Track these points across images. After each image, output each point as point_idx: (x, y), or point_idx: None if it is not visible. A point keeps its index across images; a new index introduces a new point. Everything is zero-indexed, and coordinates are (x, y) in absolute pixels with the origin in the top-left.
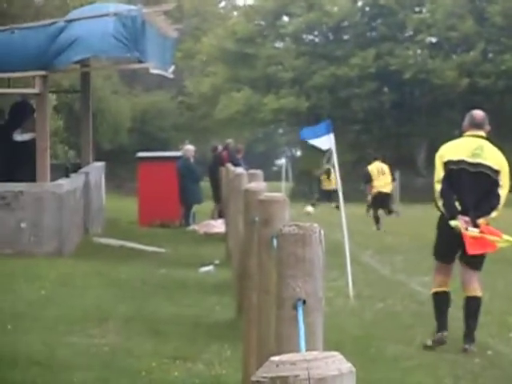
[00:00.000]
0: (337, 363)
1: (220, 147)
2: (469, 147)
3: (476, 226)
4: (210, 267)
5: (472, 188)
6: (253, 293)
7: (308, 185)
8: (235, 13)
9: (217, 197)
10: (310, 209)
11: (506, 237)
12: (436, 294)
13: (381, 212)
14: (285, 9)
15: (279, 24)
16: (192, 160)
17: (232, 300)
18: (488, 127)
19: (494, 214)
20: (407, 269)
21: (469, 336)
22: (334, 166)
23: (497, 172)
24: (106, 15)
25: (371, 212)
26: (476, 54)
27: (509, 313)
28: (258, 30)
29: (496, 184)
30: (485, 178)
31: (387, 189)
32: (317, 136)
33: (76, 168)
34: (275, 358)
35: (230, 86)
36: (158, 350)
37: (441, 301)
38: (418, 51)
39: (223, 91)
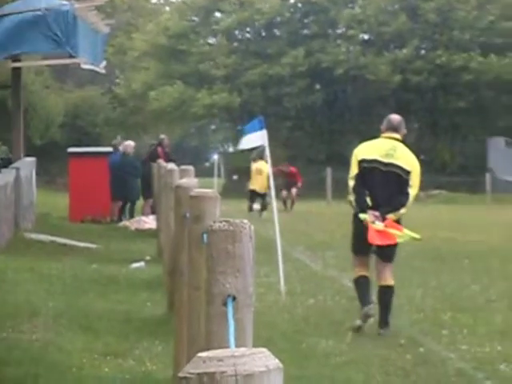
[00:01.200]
0: (264, 359)
1: (156, 143)
2: (383, 148)
3: (384, 220)
4: (141, 263)
5: (383, 185)
6: (183, 289)
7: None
8: (167, 8)
9: (148, 193)
10: (257, 206)
11: (406, 231)
12: (356, 280)
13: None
14: (217, 5)
15: (212, 20)
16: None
17: (163, 296)
18: (404, 131)
19: (402, 211)
20: (338, 265)
21: (383, 321)
22: (267, 162)
23: (408, 172)
24: (38, 10)
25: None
26: (409, 51)
27: (441, 310)
28: (191, 25)
29: (406, 183)
30: (396, 177)
31: (259, 188)
32: (250, 132)
33: (7, 163)
34: (203, 354)
35: (162, 81)
36: (89, 345)
37: (361, 283)
38: (350, 48)
39: (155, 87)
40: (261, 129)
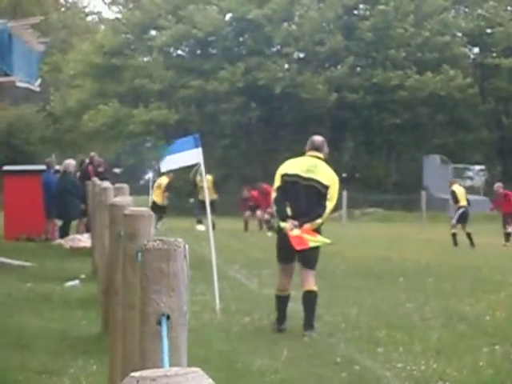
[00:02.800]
0: (197, 379)
1: (87, 160)
2: (305, 164)
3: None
4: (76, 281)
5: (303, 198)
6: (118, 307)
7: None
8: (103, 26)
9: (83, 211)
10: (201, 227)
11: (319, 237)
12: (278, 297)
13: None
14: (153, 22)
15: (147, 37)
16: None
17: (98, 314)
18: (327, 150)
19: (318, 221)
20: (274, 283)
21: (308, 324)
22: (202, 181)
23: (326, 187)
24: None
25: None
26: (344, 69)
27: (377, 328)
28: (126, 42)
29: (324, 196)
30: (315, 190)
31: (158, 200)
32: (184, 150)
33: None
34: (136, 374)
35: (98, 99)
36: (24, 363)
37: (282, 302)
38: (286, 66)
39: (90, 105)
40: (196, 147)
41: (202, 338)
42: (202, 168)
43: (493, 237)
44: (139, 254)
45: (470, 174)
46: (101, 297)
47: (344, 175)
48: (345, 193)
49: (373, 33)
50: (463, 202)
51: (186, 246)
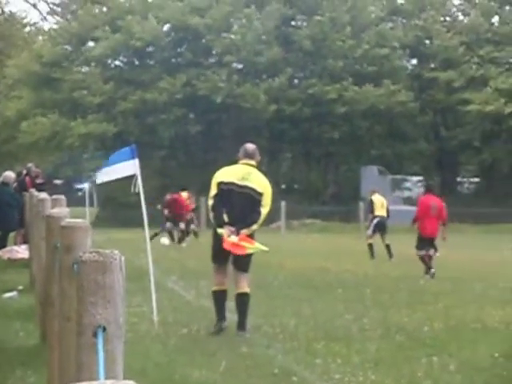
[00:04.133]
0: None
1: (24, 171)
2: (240, 172)
3: (238, 234)
4: (14, 293)
5: (238, 205)
6: (55, 319)
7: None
8: (40, 37)
9: (20, 222)
10: (165, 241)
11: (257, 244)
12: (215, 292)
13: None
14: (90, 33)
15: (84, 48)
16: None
17: (36, 326)
18: (258, 157)
19: (254, 227)
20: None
21: (241, 325)
22: (139, 192)
23: (260, 194)
24: None
25: None
26: (283, 80)
27: (315, 339)
28: (64, 53)
29: (259, 203)
30: (249, 197)
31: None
32: (121, 161)
33: None
34: None
35: (36, 110)
36: None
37: (219, 297)
38: (224, 77)
39: (28, 116)
40: (133, 158)
41: (139, 349)
42: (139, 179)
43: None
44: (75, 266)
45: (408, 184)
46: (38, 308)
47: (283, 186)
48: (283, 204)
49: (310, 43)
50: (379, 212)
51: (122, 258)
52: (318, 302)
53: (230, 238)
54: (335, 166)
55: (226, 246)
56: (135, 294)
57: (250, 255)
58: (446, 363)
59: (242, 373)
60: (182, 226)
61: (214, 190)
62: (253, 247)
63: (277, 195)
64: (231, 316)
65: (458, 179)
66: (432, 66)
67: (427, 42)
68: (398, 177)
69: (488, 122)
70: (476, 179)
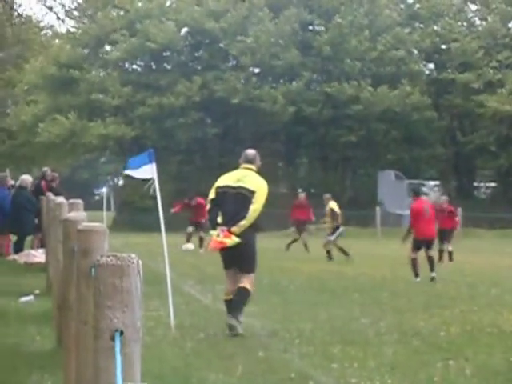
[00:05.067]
0: None
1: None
2: (237, 176)
3: (230, 232)
4: (31, 297)
5: (232, 204)
6: (72, 323)
7: (129, 214)
8: (57, 40)
9: (37, 226)
10: (189, 246)
11: (234, 238)
12: (226, 301)
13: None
14: (107, 36)
15: (102, 51)
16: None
17: (52, 330)
18: (259, 162)
19: (242, 223)
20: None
21: (232, 313)
22: (155, 196)
23: (252, 192)
24: None
25: None
26: (300, 84)
27: (331, 343)
28: (82, 56)
29: (250, 201)
30: (242, 196)
31: None
32: (139, 166)
33: None
34: None
35: (53, 113)
36: None
37: (230, 307)
38: (242, 81)
39: (45, 119)
40: (150, 162)
41: (156, 353)
42: (156, 183)
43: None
44: (93, 270)
45: (424, 189)
46: (55, 312)
47: (299, 190)
48: None
49: (329, 48)
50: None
51: (140, 262)
52: (334, 307)
53: (218, 237)
54: (352, 170)
55: (211, 245)
56: (152, 298)
57: (252, 256)
58: (462, 367)
59: (259, 377)
60: (202, 232)
61: (211, 195)
62: (232, 241)
63: (293, 199)
64: (246, 320)
65: (475, 184)
66: (449, 70)
67: (444, 46)
68: (415, 181)
69: (504, 126)
70: (493, 184)
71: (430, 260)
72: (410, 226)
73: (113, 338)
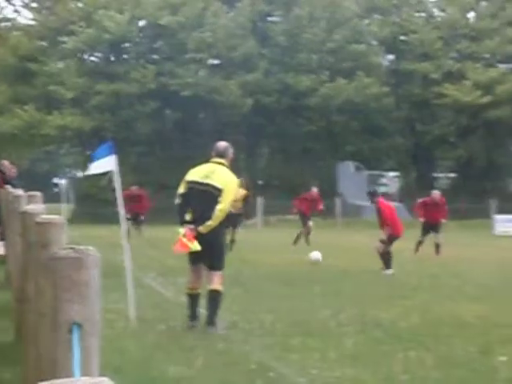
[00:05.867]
0: None
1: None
2: (204, 171)
3: (197, 232)
4: None
5: (200, 202)
6: (30, 316)
7: (89, 207)
8: (15, 32)
9: None
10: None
11: (195, 244)
12: (188, 295)
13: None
14: (65, 28)
15: (61, 43)
16: None
17: (11, 322)
18: (231, 155)
19: (208, 223)
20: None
21: (210, 321)
22: (115, 189)
23: (219, 190)
24: None
25: None
26: (258, 74)
27: (292, 335)
28: (40, 48)
29: (216, 200)
30: (209, 194)
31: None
32: (99, 159)
33: None
34: None
35: (11, 104)
36: None
37: (191, 301)
38: (200, 72)
39: (4, 110)
40: (110, 154)
41: (116, 346)
42: (116, 175)
43: (411, 243)
44: (50, 262)
45: (384, 180)
46: (14, 305)
47: (260, 182)
48: (261, 199)
49: (286, 37)
50: None
51: (98, 255)
52: (295, 298)
53: (184, 237)
54: (312, 161)
55: (176, 247)
56: (112, 291)
57: (221, 254)
58: (423, 358)
59: (219, 369)
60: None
61: (180, 189)
62: (193, 247)
63: (254, 191)
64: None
65: (435, 175)
66: (409, 61)
67: (403, 37)
68: (375, 172)
69: (464, 116)
70: (452, 174)
71: (388, 256)
72: (389, 225)
73: (70, 331)
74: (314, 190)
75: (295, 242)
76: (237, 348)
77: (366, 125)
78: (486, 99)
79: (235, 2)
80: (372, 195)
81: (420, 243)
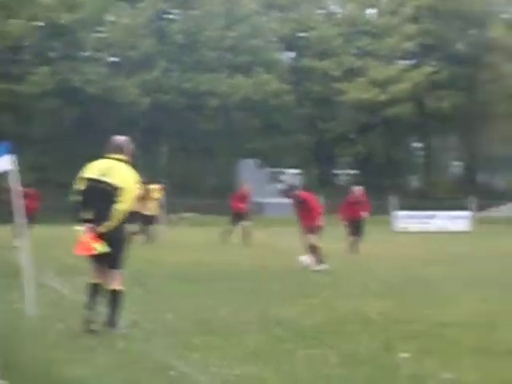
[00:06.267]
0: None
1: None
2: (101, 167)
3: (97, 232)
4: None
5: (99, 201)
6: None
7: None
8: None
9: None
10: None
11: (101, 245)
12: (90, 284)
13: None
14: None
15: None
16: None
17: None
18: (129, 150)
19: (108, 223)
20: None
21: (111, 322)
22: (11, 188)
23: (118, 189)
24: None
25: None
26: (157, 73)
27: (193, 333)
28: None
29: (114, 199)
30: (108, 193)
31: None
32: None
33: None
34: None
35: None
36: None
37: (92, 290)
38: (100, 70)
39: None
40: (7, 153)
41: (14, 346)
42: (14, 175)
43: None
44: None
45: (285, 177)
46: None
47: (161, 180)
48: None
49: (184, 36)
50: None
51: None
52: (196, 296)
53: (83, 236)
54: (213, 159)
55: (76, 249)
56: (10, 290)
57: (121, 252)
58: (327, 356)
59: (121, 368)
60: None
61: (77, 185)
62: (99, 247)
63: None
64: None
65: (335, 171)
66: (309, 57)
67: (304, 34)
68: (276, 170)
69: (363, 113)
70: (353, 171)
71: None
72: (316, 215)
73: None
74: (245, 187)
75: (223, 239)
76: (138, 347)
77: (267, 122)
78: (385, 96)
79: (136, 1)
80: (290, 189)
81: (354, 242)
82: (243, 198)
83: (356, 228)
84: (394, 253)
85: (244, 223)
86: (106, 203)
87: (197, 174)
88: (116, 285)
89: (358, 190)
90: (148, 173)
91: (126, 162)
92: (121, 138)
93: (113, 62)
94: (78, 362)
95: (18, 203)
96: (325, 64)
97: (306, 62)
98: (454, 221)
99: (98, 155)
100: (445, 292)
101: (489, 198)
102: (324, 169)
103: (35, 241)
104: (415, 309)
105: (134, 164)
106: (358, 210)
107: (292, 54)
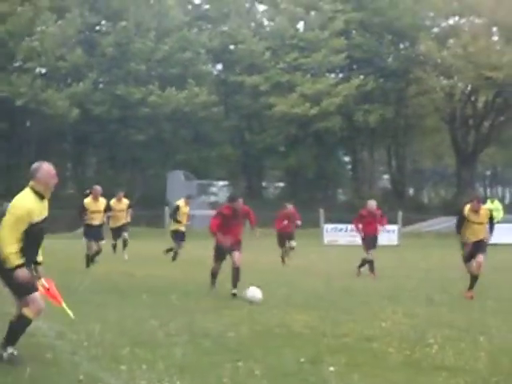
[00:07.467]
0: None
1: None
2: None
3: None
4: None
5: None
6: None
7: None
8: None
9: None
10: None
11: (64, 306)
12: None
13: None
14: None
15: None
16: None
17: None
18: (39, 176)
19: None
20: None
21: (5, 342)
22: None
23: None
24: None
25: None
26: (87, 85)
27: (120, 345)
28: None
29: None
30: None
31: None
32: None
33: None
34: None
35: None
36: None
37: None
38: (29, 81)
39: None
40: None
41: None
42: None
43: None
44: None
45: (214, 189)
46: None
47: (88, 191)
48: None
49: (114, 48)
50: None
51: None
52: (123, 308)
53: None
54: (142, 170)
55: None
56: None
57: (13, 280)
58: (252, 368)
59: (47, 380)
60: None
61: None
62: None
63: (83, 201)
64: (34, 322)
65: (263, 184)
66: (238, 71)
67: (233, 47)
68: (204, 182)
69: (293, 126)
70: (281, 184)
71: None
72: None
73: None
74: (290, 207)
75: (284, 262)
76: (65, 359)
77: (196, 134)
78: (314, 110)
79: (65, 11)
80: (232, 199)
81: (369, 262)
82: (288, 218)
83: (373, 244)
84: (322, 265)
85: (289, 243)
86: None
87: (126, 185)
88: (27, 311)
89: (371, 203)
90: (75, 184)
91: (31, 187)
92: (33, 165)
93: (41, 74)
94: (5, 374)
95: None
96: (253, 79)
97: (235, 75)
98: (381, 234)
99: (27, 166)
100: (371, 305)
101: (416, 211)
102: (252, 181)
103: None
104: (341, 322)
105: (61, 176)
106: (373, 224)
107: (220, 67)
